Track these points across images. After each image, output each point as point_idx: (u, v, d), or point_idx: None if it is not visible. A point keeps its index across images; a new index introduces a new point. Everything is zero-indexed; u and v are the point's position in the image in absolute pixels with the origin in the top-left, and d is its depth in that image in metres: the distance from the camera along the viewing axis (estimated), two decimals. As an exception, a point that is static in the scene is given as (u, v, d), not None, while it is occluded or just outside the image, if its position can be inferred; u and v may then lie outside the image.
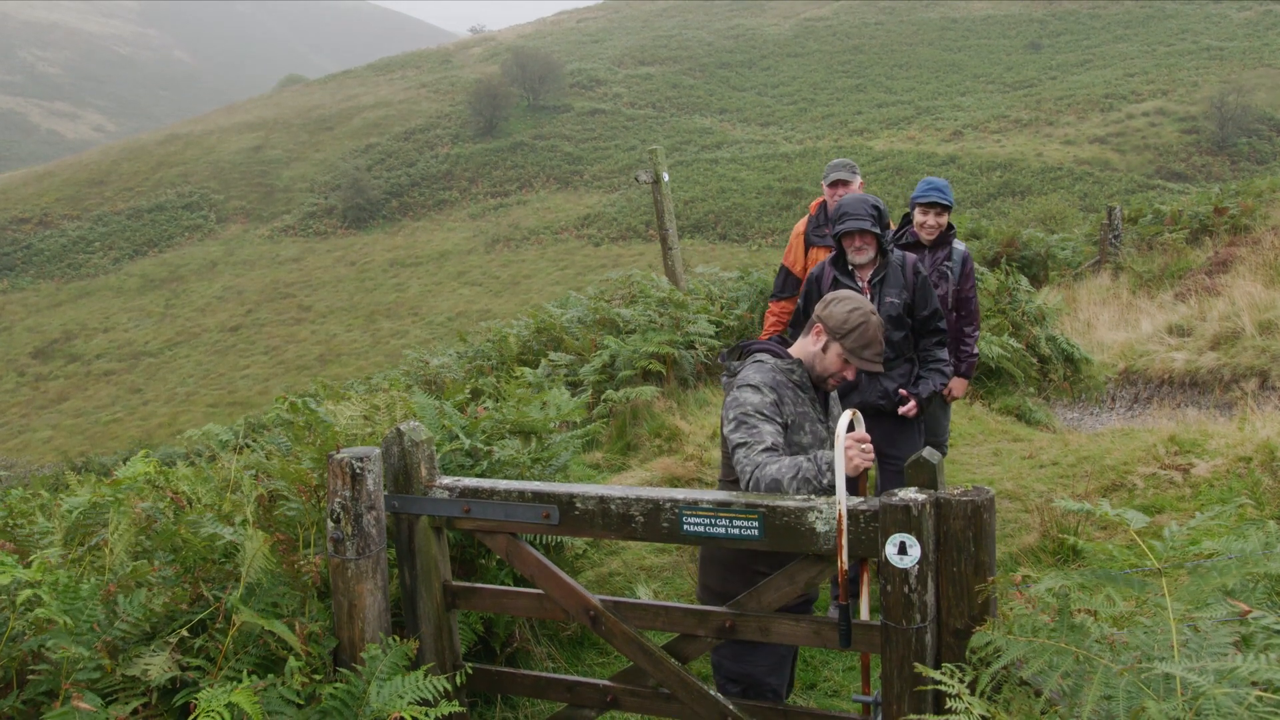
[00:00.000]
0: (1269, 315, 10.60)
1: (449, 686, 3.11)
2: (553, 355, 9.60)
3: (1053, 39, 65.57)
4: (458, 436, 4.52)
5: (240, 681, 2.85)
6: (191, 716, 2.68)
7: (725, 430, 3.34)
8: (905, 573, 2.68)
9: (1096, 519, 5.53)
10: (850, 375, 3.50)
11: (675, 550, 5.89)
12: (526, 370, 8.58)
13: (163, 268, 51.54)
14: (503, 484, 3.34)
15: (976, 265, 8.58)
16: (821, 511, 2.84)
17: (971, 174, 45.22)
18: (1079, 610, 2.46)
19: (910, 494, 2.71)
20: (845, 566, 2.80)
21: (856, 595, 2.98)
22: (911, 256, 4.89)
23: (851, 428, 3.03)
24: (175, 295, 47.36)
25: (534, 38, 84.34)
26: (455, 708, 2.98)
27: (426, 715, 2.87)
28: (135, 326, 43.86)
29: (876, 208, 4.73)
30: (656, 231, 12.33)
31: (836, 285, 4.75)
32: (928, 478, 2.77)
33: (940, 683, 2.48)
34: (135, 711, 2.87)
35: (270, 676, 2.96)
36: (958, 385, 5.58)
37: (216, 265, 50.74)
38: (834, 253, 4.87)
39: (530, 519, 3.24)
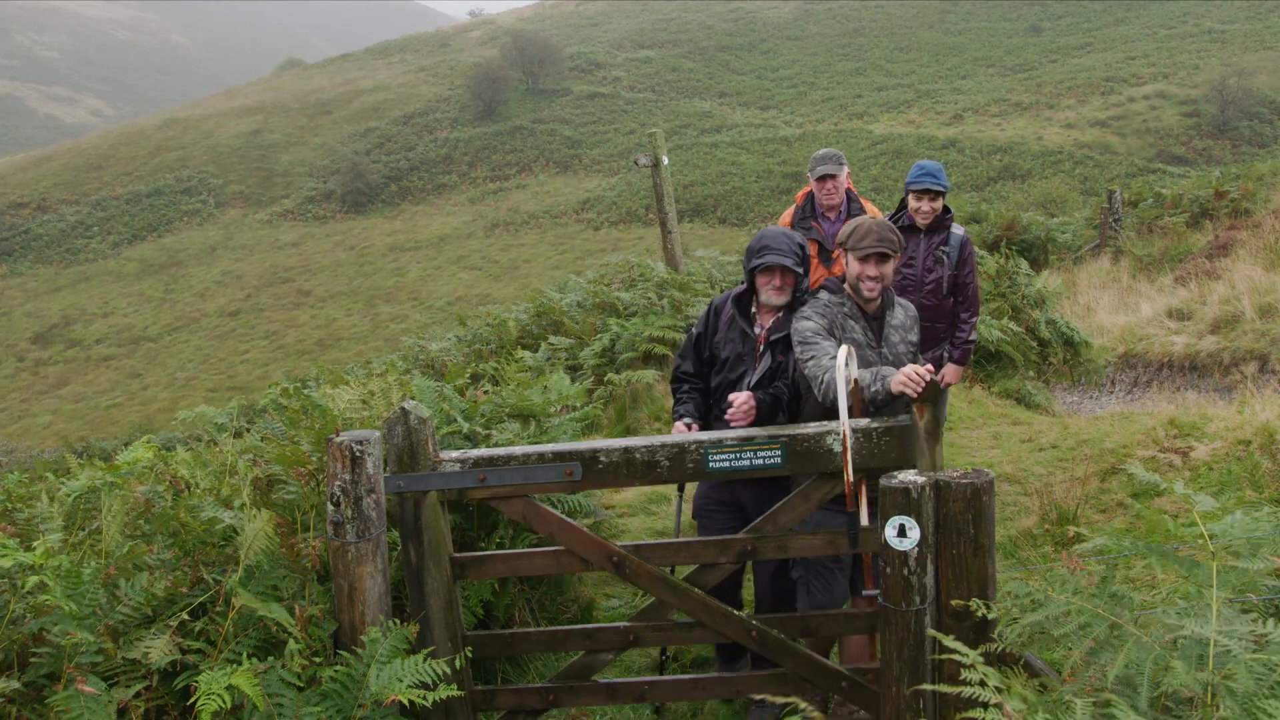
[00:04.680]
0: (1269, 299, 10.59)
1: (449, 670, 3.11)
2: (553, 339, 9.59)
3: (1053, 22, 65.24)
4: (456, 420, 4.51)
5: (240, 664, 2.85)
6: (193, 699, 2.69)
7: (795, 354, 3.76)
8: (904, 555, 2.68)
9: (1140, 489, 5.67)
10: (871, 271, 3.75)
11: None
12: (526, 354, 8.58)
13: (161, 252, 51.41)
14: (519, 449, 3.43)
15: (976, 249, 8.64)
16: (837, 433, 3.08)
17: (971, 157, 45.06)
18: (1120, 580, 2.46)
19: (910, 476, 2.71)
20: (851, 479, 3.05)
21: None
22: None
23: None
24: (174, 280, 47.26)
25: (533, 21, 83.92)
26: (453, 692, 2.99)
27: (425, 699, 2.87)
28: (134, 311, 43.79)
29: (802, 247, 4.13)
30: (656, 215, 12.26)
31: (734, 323, 4.23)
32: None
33: (941, 663, 2.48)
34: (137, 694, 2.88)
35: (270, 659, 2.96)
36: (952, 372, 5.56)
37: (215, 250, 50.61)
38: (743, 286, 4.25)
39: (551, 479, 3.33)
